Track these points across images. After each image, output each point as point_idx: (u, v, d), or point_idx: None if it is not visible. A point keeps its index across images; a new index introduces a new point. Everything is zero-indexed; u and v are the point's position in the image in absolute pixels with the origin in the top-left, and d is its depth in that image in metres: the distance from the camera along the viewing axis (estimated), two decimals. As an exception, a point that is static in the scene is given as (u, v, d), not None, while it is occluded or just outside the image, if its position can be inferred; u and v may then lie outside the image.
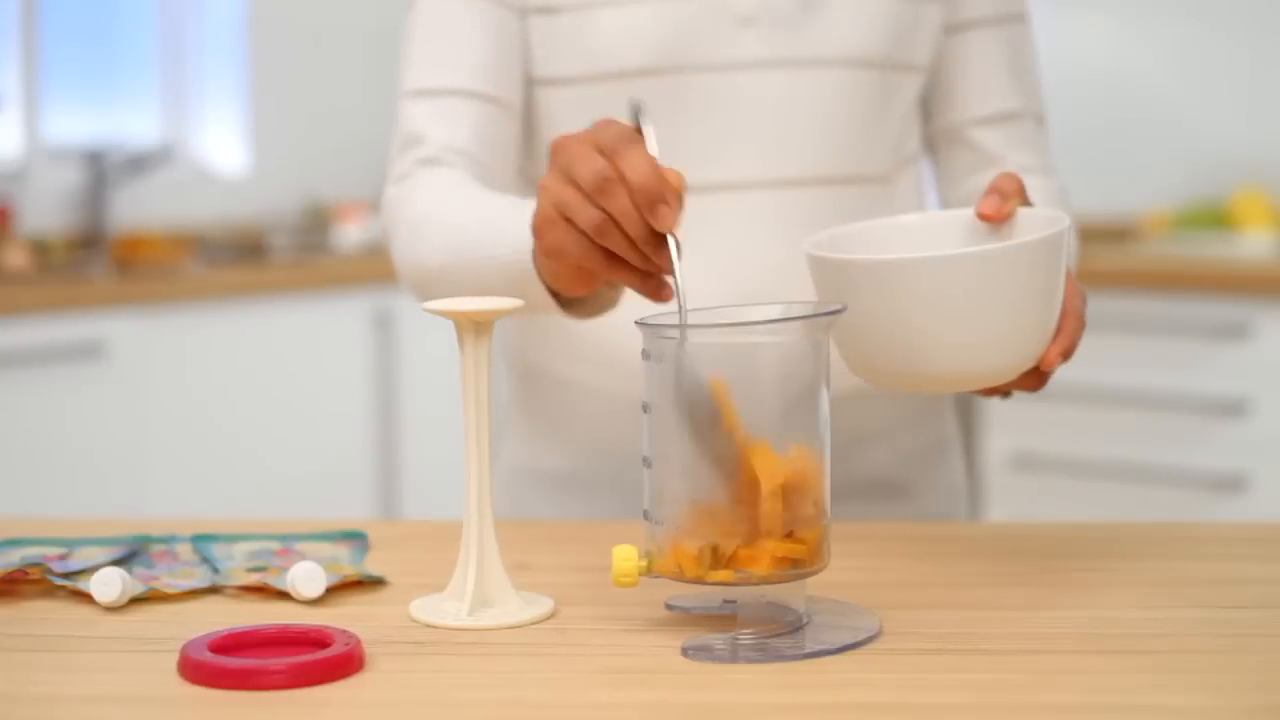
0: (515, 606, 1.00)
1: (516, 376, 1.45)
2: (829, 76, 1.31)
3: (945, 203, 1.44)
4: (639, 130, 1.02)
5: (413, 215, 1.29)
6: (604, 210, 0.98)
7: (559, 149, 1.02)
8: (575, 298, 1.15)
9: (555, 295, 1.15)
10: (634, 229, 0.99)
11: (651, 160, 0.98)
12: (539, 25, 1.32)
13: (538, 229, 1.04)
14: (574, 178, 0.99)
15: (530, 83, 1.35)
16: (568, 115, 1.33)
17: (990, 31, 1.38)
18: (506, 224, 1.17)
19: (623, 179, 0.98)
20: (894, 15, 1.31)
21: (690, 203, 1.30)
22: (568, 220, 1.01)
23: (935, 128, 1.41)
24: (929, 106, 1.41)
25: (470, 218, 1.23)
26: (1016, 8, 1.40)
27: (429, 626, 0.99)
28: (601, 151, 0.99)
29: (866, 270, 1.03)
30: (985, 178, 1.38)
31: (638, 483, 1.37)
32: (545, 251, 1.04)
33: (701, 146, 1.30)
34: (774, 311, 0.97)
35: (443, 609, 1.00)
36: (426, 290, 1.26)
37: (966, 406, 3.51)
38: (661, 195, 0.98)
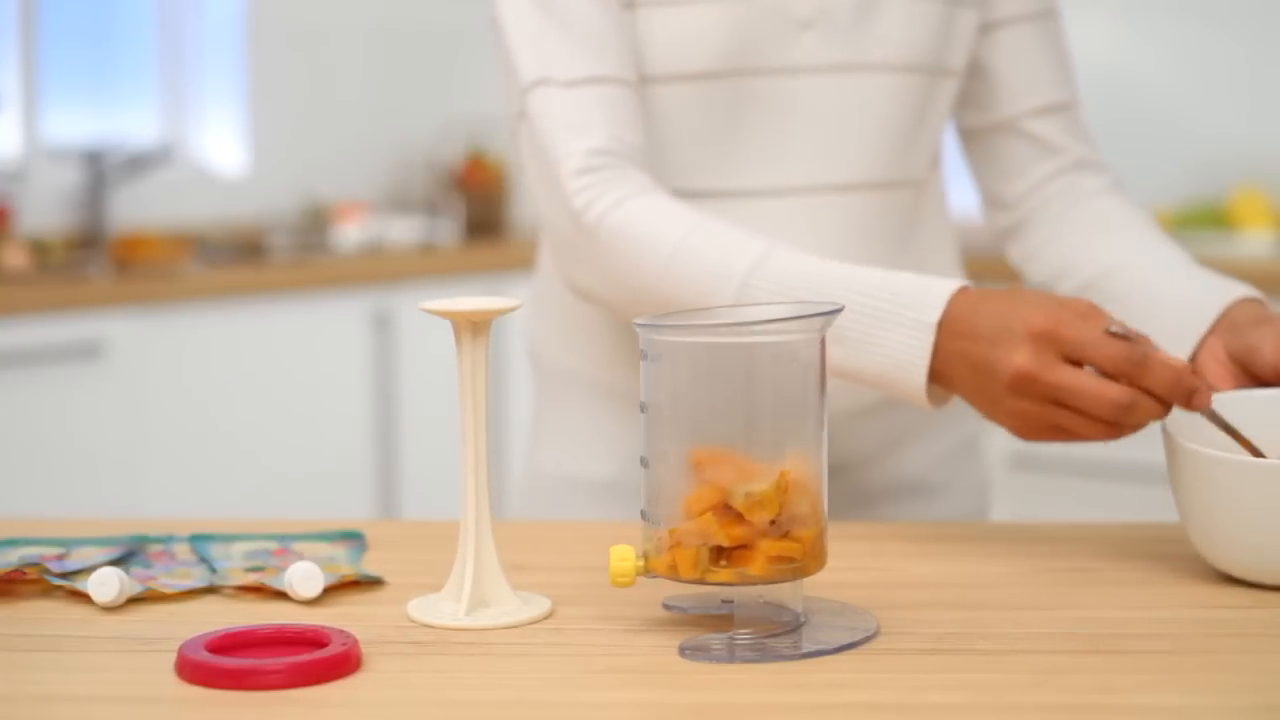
0: (512, 606, 1.00)
1: (557, 384, 1.43)
2: (881, 81, 1.30)
3: (996, 196, 1.43)
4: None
5: (650, 244, 1.21)
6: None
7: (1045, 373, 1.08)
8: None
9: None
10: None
11: (1170, 366, 1.05)
12: None
13: (1019, 427, 1.13)
14: (1088, 401, 1.06)
15: None
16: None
17: (1031, 25, 1.38)
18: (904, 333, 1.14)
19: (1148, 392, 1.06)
20: (938, 19, 1.32)
21: (745, 207, 1.29)
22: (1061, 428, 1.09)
23: (984, 122, 1.41)
24: (975, 102, 1.41)
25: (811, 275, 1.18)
26: (1051, 4, 1.40)
27: (426, 626, 0.98)
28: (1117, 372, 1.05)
29: (1242, 470, 1.04)
30: (1047, 168, 1.40)
31: None
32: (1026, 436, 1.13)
33: (758, 150, 1.29)
34: (773, 312, 0.96)
35: (440, 609, 1.00)
36: (636, 302, 1.21)
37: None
38: (1191, 386, 1.05)
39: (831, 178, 1.31)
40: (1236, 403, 1.13)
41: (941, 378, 1.14)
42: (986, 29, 1.38)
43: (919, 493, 1.41)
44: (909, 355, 1.12)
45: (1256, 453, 1.09)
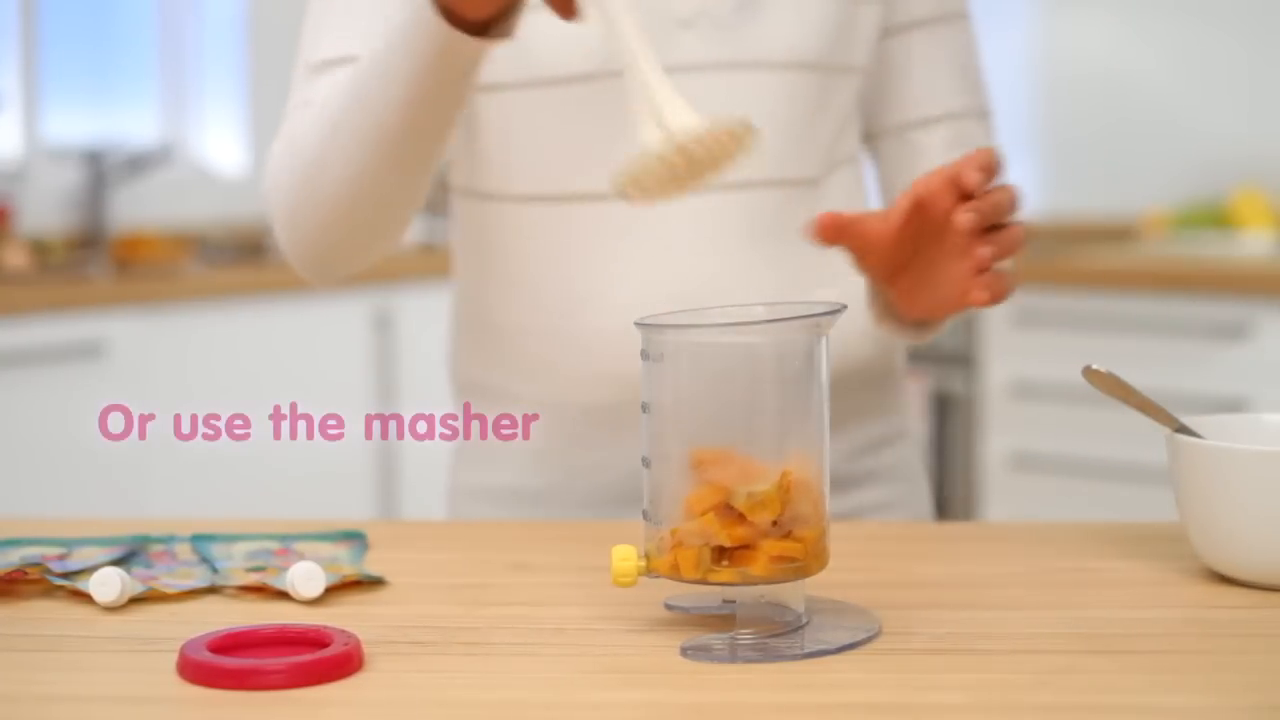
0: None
1: (460, 393, 1.42)
2: (767, 80, 1.29)
3: (885, 204, 1.40)
4: None
5: (298, 131, 1.26)
6: None
7: None
8: (475, 27, 1.12)
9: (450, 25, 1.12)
10: None
11: None
12: None
13: None
14: None
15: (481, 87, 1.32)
16: (506, 122, 1.31)
17: (930, 31, 1.36)
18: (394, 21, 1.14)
19: None
20: (831, 17, 1.30)
21: (624, 209, 1.27)
22: None
23: (876, 127, 1.40)
24: (870, 106, 1.39)
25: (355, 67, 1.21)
26: (957, 6, 1.38)
27: (426, 627, 0.98)
28: None
29: (1256, 460, 1.04)
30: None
31: (588, 492, 1.35)
32: None
33: None
34: (774, 312, 0.96)
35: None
36: (311, 174, 1.24)
37: (967, 406, 3.51)
38: None
39: None
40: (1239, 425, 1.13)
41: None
42: (887, 33, 1.36)
43: (837, 483, 1.32)
44: (449, 41, 1.13)
45: (1168, 419, 1.09)
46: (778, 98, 1.30)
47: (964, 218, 1.04)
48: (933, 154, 1.36)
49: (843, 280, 1.24)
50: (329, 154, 1.22)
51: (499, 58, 1.28)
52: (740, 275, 1.30)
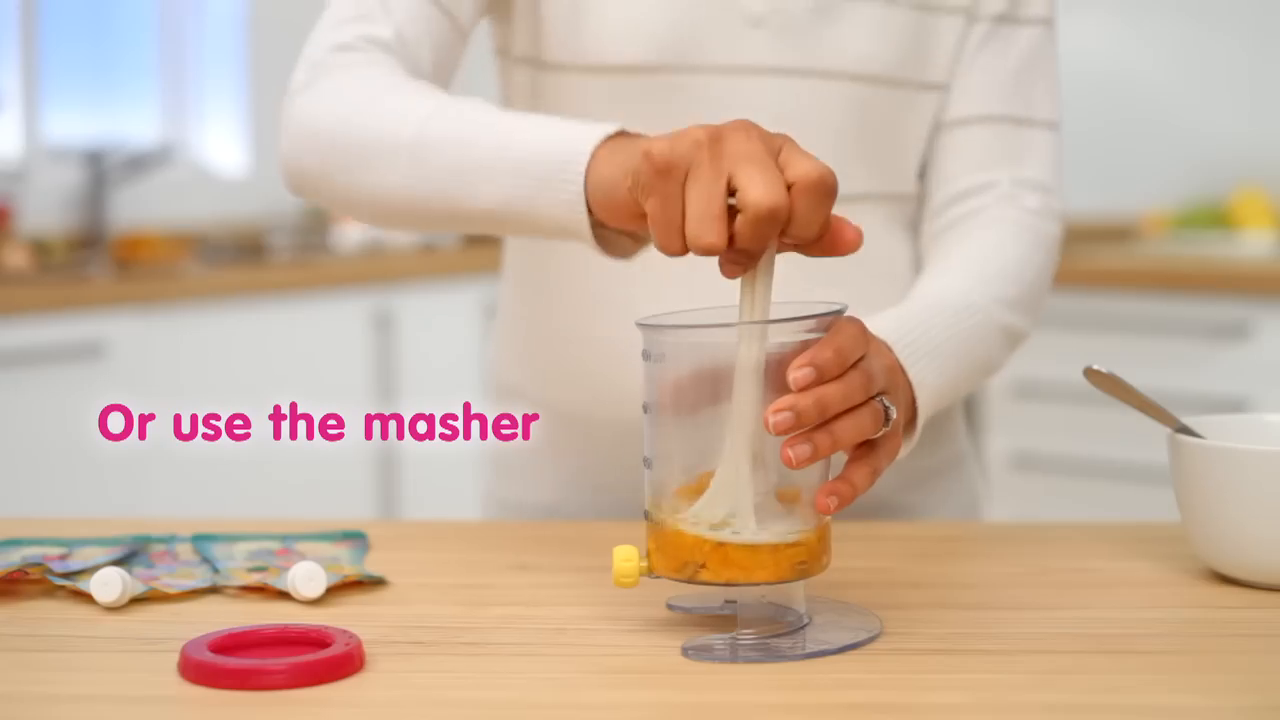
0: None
1: (497, 396, 1.40)
2: (833, 90, 1.23)
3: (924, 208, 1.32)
4: None
5: (369, 83, 1.15)
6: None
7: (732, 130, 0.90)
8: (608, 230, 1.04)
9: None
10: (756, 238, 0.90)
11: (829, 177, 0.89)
12: (545, 2, 1.24)
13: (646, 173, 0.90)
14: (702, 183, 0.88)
15: (539, 65, 1.28)
16: (561, 104, 1.25)
17: (990, 29, 1.28)
18: (560, 130, 1.04)
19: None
20: (909, 30, 1.24)
21: None
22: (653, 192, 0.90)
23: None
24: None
25: (491, 112, 1.10)
26: (1036, 11, 1.29)
27: (424, 629, 0.98)
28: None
29: (1256, 460, 1.04)
30: (958, 186, 1.28)
31: (621, 513, 1.32)
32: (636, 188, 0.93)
33: None
34: (773, 313, 0.96)
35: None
36: (338, 166, 1.14)
37: (968, 408, 3.51)
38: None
39: None
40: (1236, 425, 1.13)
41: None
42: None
43: (888, 514, 1.32)
44: (570, 221, 1.04)
45: (1169, 419, 1.09)
46: (844, 109, 1.24)
47: (770, 419, 0.90)
48: (966, 157, 1.28)
49: (896, 309, 1.16)
50: (376, 171, 1.12)
51: (558, 38, 1.24)
52: (781, 295, 1.22)
